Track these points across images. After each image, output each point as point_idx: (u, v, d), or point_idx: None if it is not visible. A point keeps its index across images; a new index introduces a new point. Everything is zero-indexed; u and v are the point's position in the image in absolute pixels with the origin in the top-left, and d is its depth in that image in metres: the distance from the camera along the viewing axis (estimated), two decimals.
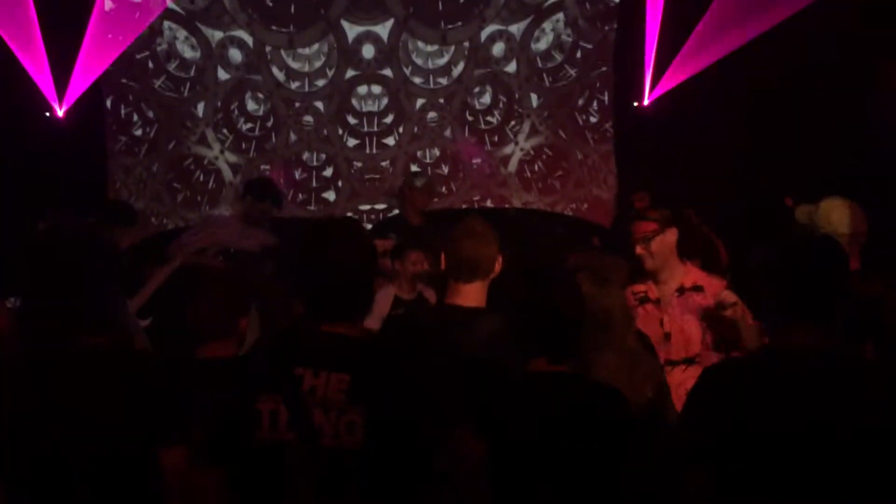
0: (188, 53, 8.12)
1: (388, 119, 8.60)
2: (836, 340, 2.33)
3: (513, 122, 8.74)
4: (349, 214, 8.47)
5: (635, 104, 8.28)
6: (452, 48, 8.43)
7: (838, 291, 2.36)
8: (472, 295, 3.14)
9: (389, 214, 8.04)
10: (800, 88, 7.43)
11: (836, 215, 4.00)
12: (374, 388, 2.21)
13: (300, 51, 8.31)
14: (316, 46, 8.31)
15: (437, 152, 8.74)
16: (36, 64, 7.12)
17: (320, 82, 8.40)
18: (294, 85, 8.38)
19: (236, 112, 8.39)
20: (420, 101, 8.57)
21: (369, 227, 8.03)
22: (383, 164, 8.68)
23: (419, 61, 8.44)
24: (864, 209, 4.10)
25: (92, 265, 2.41)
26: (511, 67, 8.57)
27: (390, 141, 8.65)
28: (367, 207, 8.61)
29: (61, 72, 7.37)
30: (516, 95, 8.65)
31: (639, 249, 4.04)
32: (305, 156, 8.61)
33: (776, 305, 2.36)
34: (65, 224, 2.52)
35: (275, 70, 8.31)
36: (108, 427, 2.30)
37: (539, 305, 2.61)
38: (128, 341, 2.51)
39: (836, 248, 2.42)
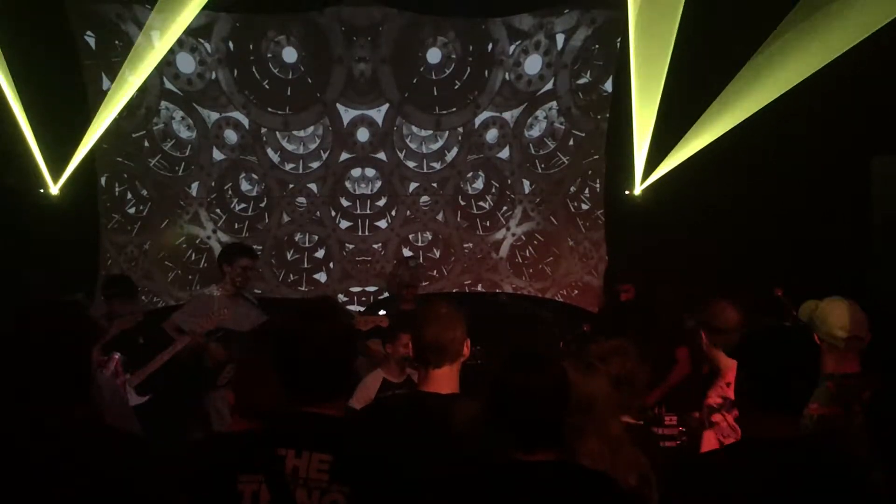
0: (184, 133, 8.19)
1: (381, 202, 8.65)
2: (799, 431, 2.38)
3: (505, 208, 8.80)
4: (340, 296, 8.46)
5: (627, 192, 8.33)
6: (446, 133, 8.52)
7: (808, 384, 2.41)
8: (443, 380, 3.09)
9: (380, 297, 8.04)
10: (794, 176, 7.49)
11: (833, 317, 3.82)
12: (356, 468, 2.19)
13: (295, 133, 8.38)
14: (311, 129, 8.39)
15: (429, 236, 8.78)
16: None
17: (314, 164, 8.47)
18: (288, 166, 8.44)
19: (230, 192, 8.43)
20: (413, 185, 8.64)
21: (360, 309, 8.02)
22: (375, 246, 8.69)
23: (413, 145, 8.52)
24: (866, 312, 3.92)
25: (59, 345, 2.40)
26: (504, 153, 8.66)
27: (383, 224, 8.69)
28: (357, 289, 8.61)
29: (56, 149, 7.41)
30: (509, 181, 8.72)
31: None
32: (298, 237, 8.63)
33: (747, 395, 2.41)
34: (39, 305, 2.51)
35: (269, 151, 8.37)
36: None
37: (524, 393, 2.56)
38: (98, 416, 2.49)
39: (806, 341, 2.46)
